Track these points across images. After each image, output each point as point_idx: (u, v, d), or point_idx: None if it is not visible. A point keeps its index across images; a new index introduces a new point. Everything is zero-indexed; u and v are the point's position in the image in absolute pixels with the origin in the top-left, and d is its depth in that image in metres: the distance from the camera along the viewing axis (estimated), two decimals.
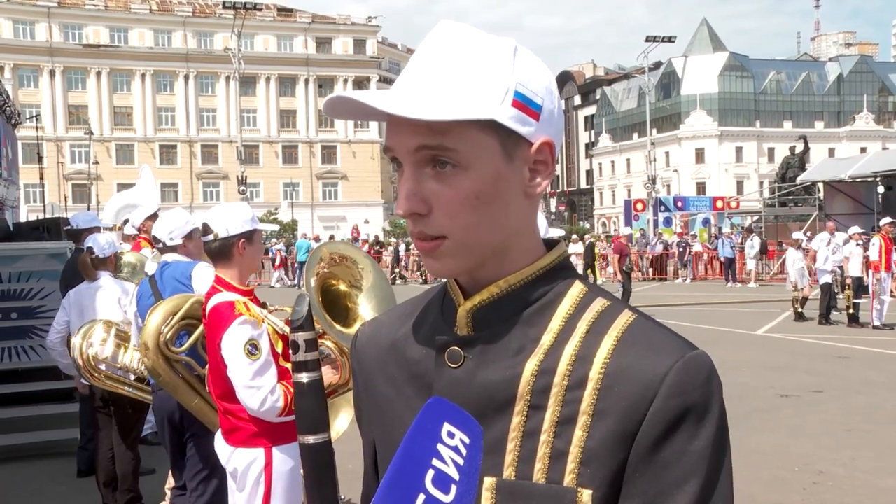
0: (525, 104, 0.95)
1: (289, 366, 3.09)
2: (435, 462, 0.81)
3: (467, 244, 0.96)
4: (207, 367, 3.36)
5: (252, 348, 2.97)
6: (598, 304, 0.99)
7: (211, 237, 3.19)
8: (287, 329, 3.15)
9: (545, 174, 0.99)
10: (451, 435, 0.82)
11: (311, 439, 1.00)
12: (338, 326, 3.13)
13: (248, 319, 3.00)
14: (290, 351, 1.01)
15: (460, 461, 0.82)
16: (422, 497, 0.79)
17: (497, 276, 0.99)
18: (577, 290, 1.01)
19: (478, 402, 0.96)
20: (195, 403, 3.74)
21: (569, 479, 0.92)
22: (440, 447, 0.81)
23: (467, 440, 0.83)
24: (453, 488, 0.81)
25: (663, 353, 0.93)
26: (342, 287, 3.25)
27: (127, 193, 9.28)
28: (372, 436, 1.11)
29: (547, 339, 0.96)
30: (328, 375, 3.19)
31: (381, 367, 1.09)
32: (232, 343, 2.98)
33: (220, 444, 3.22)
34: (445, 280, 1.07)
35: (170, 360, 3.70)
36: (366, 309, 3.25)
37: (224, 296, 3.10)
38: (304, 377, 1.01)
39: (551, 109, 0.98)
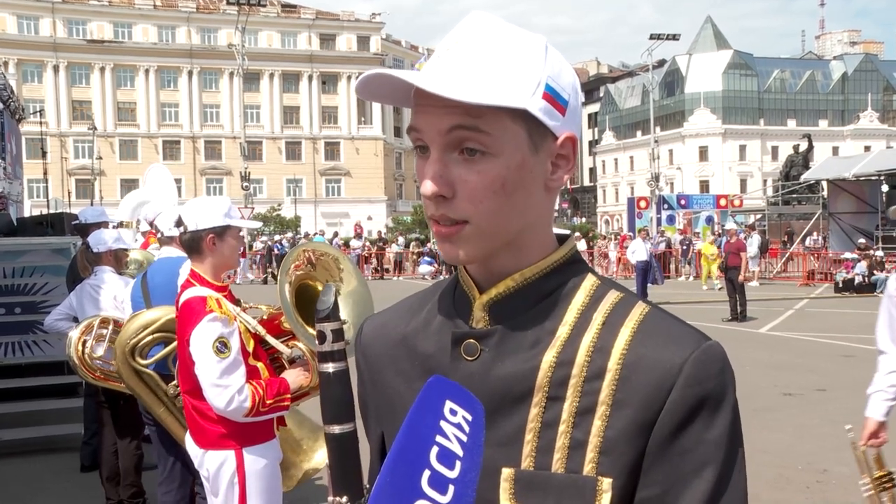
0: (554, 98, 0.96)
1: (259, 365, 3.05)
2: (439, 439, 0.82)
3: (487, 231, 0.97)
4: (177, 364, 3.30)
5: (221, 346, 2.91)
6: (612, 296, 1.01)
7: (181, 229, 3.16)
8: (260, 328, 3.10)
9: (566, 169, 1.01)
10: (453, 412, 0.83)
11: (336, 429, 1.00)
12: (309, 329, 3.04)
13: (218, 316, 2.94)
14: (317, 341, 1.01)
15: (464, 438, 0.83)
16: (427, 473, 0.80)
17: (512, 268, 1.00)
18: (590, 282, 1.02)
19: (494, 395, 0.97)
20: (160, 412, 3.79)
21: (588, 468, 0.93)
22: (443, 424, 0.82)
23: (469, 417, 0.84)
24: (458, 464, 0.82)
25: (680, 343, 0.95)
26: (320, 288, 3.16)
27: (142, 191, 9.29)
28: (380, 430, 1.11)
29: (563, 331, 0.98)
30: (299, 378, 3.14)
31: (391, 362, 1.09)
32: (200, 339, 2.93)
33: (191, 446, 3.16)
34: (455, 274, 1.07)
35: (136, 370, 3.76)
36: (342, 314, 3.17)
37: (197, 290, 3.04)
38: (329, 367, 1.01)
39: (575, 106, 1.00)
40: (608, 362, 0.95)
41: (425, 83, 0.90)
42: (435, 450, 0.81)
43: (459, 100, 0.89)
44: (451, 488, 0.81)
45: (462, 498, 0.82)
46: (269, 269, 29.77)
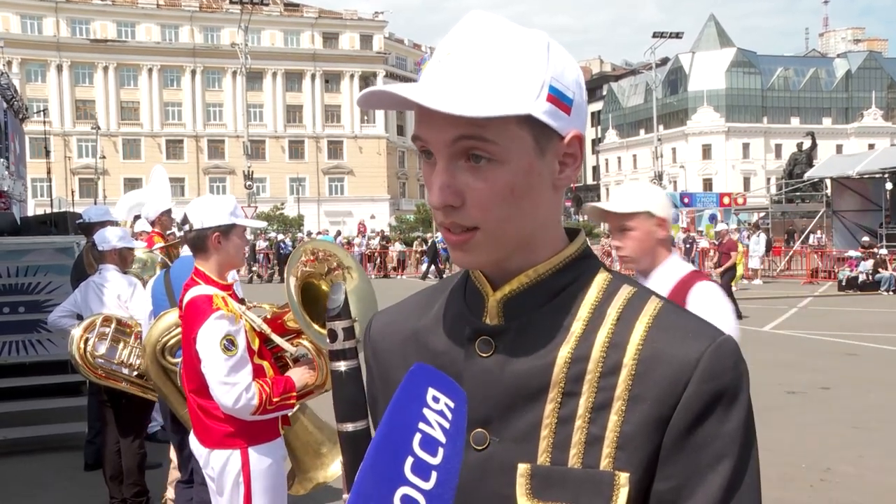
0: (559, 98, 0.95)
1: (264, 364, 3.04)
2: (422, 426, 0.82)
3: (498, 236, 0.97)
4: (181, 363, 3.27)
5: (228, 344, 2.90)
6: (626, 290, 1.01)
7: (187, 227, 3.16)
8: (265, 327, 3.09)
9: (574, 167, 1.00)
10: (436, 399, 0.84)
11: (349, 427, 1.00)
12: (315, 326, 3.04)
13: (225, 314, 2.93)
14: (328, 339, 1.01)
15: (446, 425, 0.83)
16: (410, 460, 0.80)
17: (524, 265, 1.00)
18: (602, 277, 1.03)
19: (509, 391, 0.98)
20: (185, 412, 3.72)
21: (605, 462, 0.94)
22: (426, 411, 0.83)
23: (452, 404, 0.84)
24: (440, 451, 0.82)
25: (695, 338, 0.95)
26: (324, 287, 3.16)
27: (139, 192, 9.36)
28: None
29: (577, 326, 0.98)
30: (304, 376, 3.14)
31: (400, 358, 1.10)
32: (208, 337, 2.92)
33: (195, 445, 3.14)
34: (465, 271, 1.07)
35: (165, 368, 3.72)
36: None
37: (202, 289, 3.04)
38: (342, 366, 1.01)
39: (580, 103, 0.99)
40: (624, 357, 0.95)
41: (426, 99, 0.89)
42: (418, 437, 0.81)
43: (461, 114, 0.88)
44: (434, 475, 0.81)
45: (444, 484, 0.82)
46: (254, 270, 29.60)
